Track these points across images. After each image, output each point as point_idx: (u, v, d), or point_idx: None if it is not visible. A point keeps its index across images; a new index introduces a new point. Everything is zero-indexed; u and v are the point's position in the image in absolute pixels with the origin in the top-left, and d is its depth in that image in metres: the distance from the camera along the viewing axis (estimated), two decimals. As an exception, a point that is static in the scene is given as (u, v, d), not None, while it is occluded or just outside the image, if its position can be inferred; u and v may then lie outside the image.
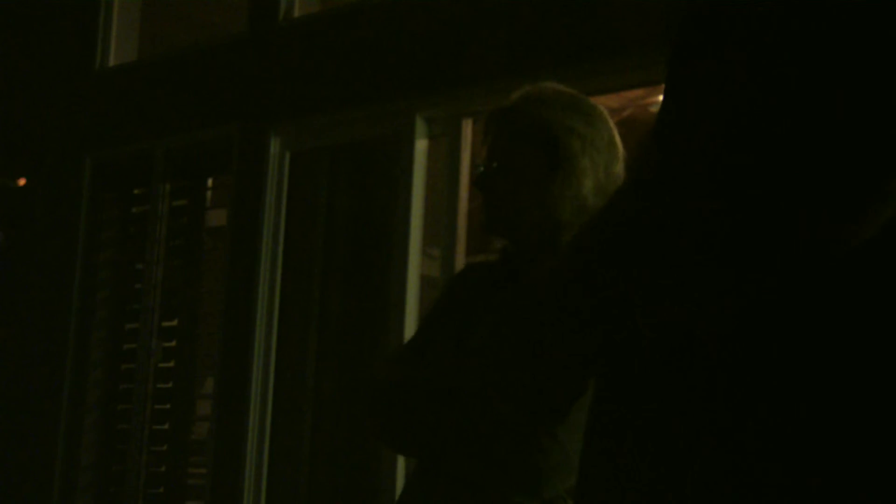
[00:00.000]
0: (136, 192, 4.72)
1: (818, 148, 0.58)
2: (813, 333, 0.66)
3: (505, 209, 1.79)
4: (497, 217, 1.80)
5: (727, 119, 0.61)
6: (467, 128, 3.76)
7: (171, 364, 4.44)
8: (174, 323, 4.50)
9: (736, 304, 0.64)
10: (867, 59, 0.57)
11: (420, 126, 3.77)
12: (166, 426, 4.42)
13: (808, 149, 0.58)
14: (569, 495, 1.67)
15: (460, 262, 3.70)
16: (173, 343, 4.45)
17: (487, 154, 1.82)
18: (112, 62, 4.88)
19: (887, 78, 0.56)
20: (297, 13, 4.28)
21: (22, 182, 1.87)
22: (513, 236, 1.81)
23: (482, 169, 1.83)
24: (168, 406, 4.42)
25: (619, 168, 1.77)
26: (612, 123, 1.82)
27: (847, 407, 0.64)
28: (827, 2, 0.58)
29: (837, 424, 0.64)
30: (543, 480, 1.66)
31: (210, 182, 4.59)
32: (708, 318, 0.66)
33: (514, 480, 1.67)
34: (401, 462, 3.51)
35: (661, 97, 0.82)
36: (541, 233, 1.76)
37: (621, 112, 6.96)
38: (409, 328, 3.59)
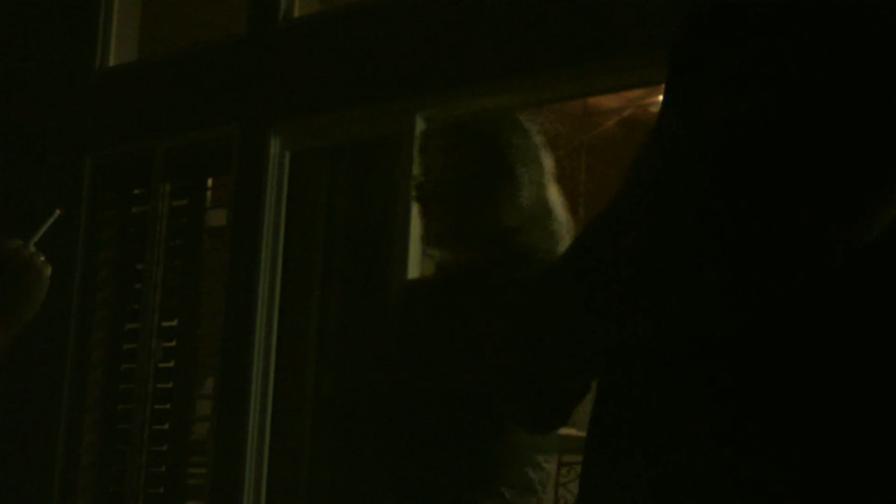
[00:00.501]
0: (136, 192, 4.72)
1: (819, 149, 0.58)
2: (814, 334, 0.66)
3: (452, 220, 1.89)
4: (443, 228, 1.90)
5: (728, 120, 0.61)
6: (467, 128, 3.75)
7: (171, 364, 4.44)
8: (174, 323, 4.50)
9: (737, 305, 0.64)
10: (868, 59, 0.57)
11: (420, 126, 3.77)
12: (166, 426, 4.42)
13: (810, 150, 0.58)
14: (519, 487, 1.78)
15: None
16: (173, 343, 4.45)
17: (430, 167, 1.92)
18: (112, 62, 4.88)
19: (888, 79, 0.56)
20: (297, 13, 4.28)
21: (59, 212, 1.89)
22: (457, 246, 1.90)
23: (424, 181, 1.92)
24: (168, 406, 4.42)
25: (548, 179, 1.92)
26: (538, 139, 1.96)
27: (848, 407, 0.64)
28: (828, 2, 0.58)
29: (839, 425, 0.64)
30: (497, 476, 1.76)
31: (210, 182, 4.59)
32: (709, 318, 0.66)
33: (468, 477, 1.76)
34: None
35: (661, 97, 0.81)
36: (486, 241, 1.87)
37: (621, 112, 6.97)
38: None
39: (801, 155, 0.58)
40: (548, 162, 1.94)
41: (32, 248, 1.77)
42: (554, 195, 1.93)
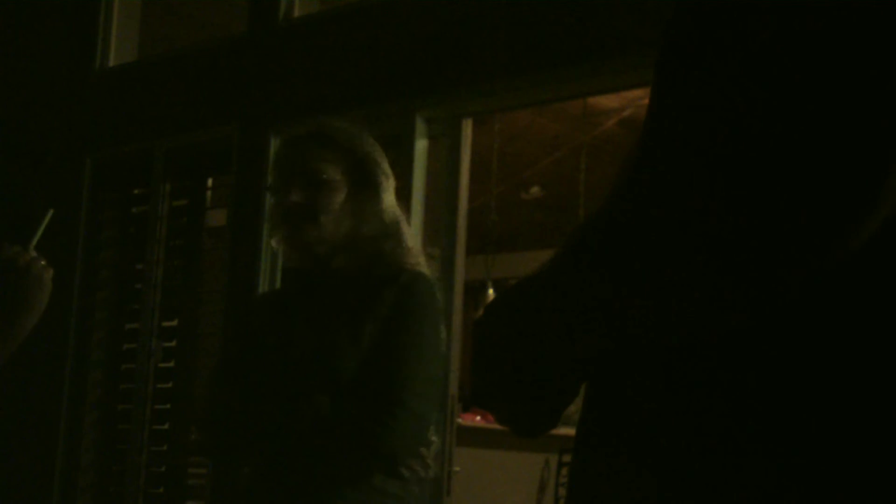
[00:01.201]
0: (136, 192, 4.72)
1: (820, 148, 0.58)
2: (813, 333, 0.66)
3: (318, 221, 1.98)
4: (310, 229, 1.98)
5: (724, 118, 0.61)
6: (467, 128, 3.76)
7: (171, 364, 4.44)
8: (174, 323, 4.50)
9: (735, 304, 0.64)
10: (869, 59, 0.57)
11: (420, 126, 3.77)
12: (166, 426, 4.42)
13: (810, 149, 0.58)
14: (414, 465, 1.94)
15: (460, 262, 3.69)
16: (173, 343, 4.45)
17: (294, 173, 2.01)
18: (112, 62, 4.88)
19: (886, 79, 0.56)
20: (297, 13, 4.28)
21: (52, 211, 1.92)
22: (316, 248, 1.99)
23: (283, 188, 2.00)
24: (168, 406, 4.42)
25: (392, 191, 2.07)
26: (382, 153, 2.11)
27: (848, 407, 0.64)
28: (826, 1, 0.58)
29: (839, 425, 0.64)
30: (397, 458, 1.89)
31: (210, 182, 4.59)
32: (707, 318, 0.66)
33: (369, 462, 1.88)
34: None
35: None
36: (344, 242, 1.99)
37: (621, 112, 6.97)
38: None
39: (801, 154, 0.58)
40: (392, 179, 2.08)
41: (32, 253, 1.77)
42: (398, 207, 2.07)
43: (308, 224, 1.98)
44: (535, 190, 8.64)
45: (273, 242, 2.06)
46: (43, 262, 1.78)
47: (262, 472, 1.93)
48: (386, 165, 2.07)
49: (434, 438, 2.00)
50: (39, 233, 1.82)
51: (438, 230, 3.72)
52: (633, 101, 6.66)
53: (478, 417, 6.66)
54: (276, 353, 1.98)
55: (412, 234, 2.09)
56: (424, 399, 1.89)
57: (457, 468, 3.60)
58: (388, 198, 2.05)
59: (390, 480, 1.90)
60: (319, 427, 1.86)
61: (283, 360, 1.95)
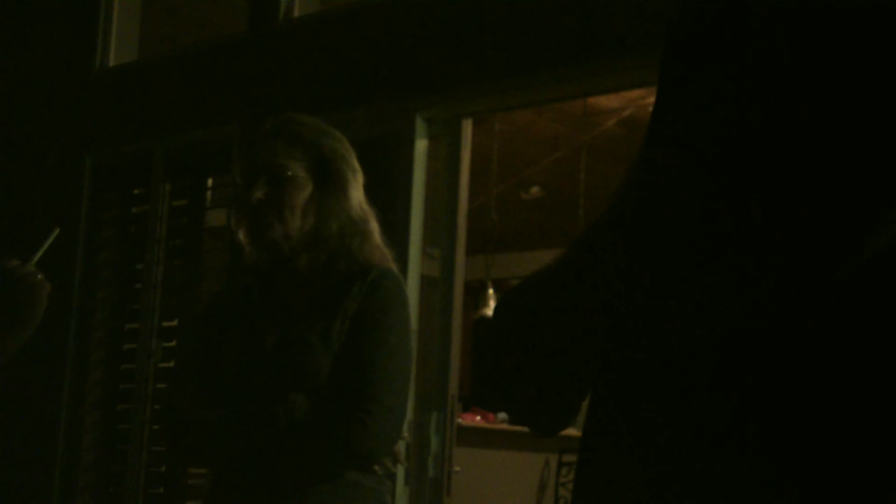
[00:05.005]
0: (136, 192, 4.72)
1: (819, 153, 0.58)
2: (814, 336, 0.66)
3: (282, 219, 1.97)
4: (274, 226, 1.97)
5: (728, 120, 0.61)
6: (467, 128, 3.76)
7: (171, 364, 4.44)
8: (174, 323, 4.50)
9: (738, 305, 0.64)
10: (871, 62, 0.57)
11: (420, 126, 3.77)
12: (166, 426, 4.41)
13: (809, 153, 0.58)
14: (387, 461, 1.96)
15: (460, 262, 3.69)
16: (173, 343, 4.45)
17: (258, 169, 1.99)
18: (112, 62, 4.88)
19: (891, 82, 0.56)
20: (297, 13, 4.28)
21: (58, 230, 1.93)
22: (281, 245, 1.98)
23: (251, 185, 1.99)
24: (168, 406, 4.42)
25: (361, 188, 2.05)
26: (351, 150, 2.08)
27: (848, 409, 0.64)
28: (830, 3, 0.58)
29: (838, 426, 0.64)
30: (371, 454, 1.89)
31: (210, 182, 4.59)
32: (709, 318, 0.66)
33: (346, 459, 1.88)
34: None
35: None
36: (309, 240, 1.98)
37: (621, 112, 6.97)
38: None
39: (805, 159, 0.58)
40: (361, 175, 2.06)
41: (32, 267, 1.78)
42: (366, 203, 2.05)
43: (272, 221, 1.96)
44: (535, 190, 8.64)
45: (240, 235, 2.05)
46: (40, 277, 1.78)
47: (236, 472, 1.92)
48: (354, 161, 2.04)
49: (405, 435, 2.00)
50: (42, 250, 1.83)
51: (438, 230, 3.72)
52: (633, 101, 6.66)
53: (478, 417, 6.66)
54: (245, 353, 1.97)
55: (380, 231, 2.06)
56: (397, 395, 1.89)
57: (457, 468, 3.59)
58: (356, 194, 2.03)
59: (365, 475, 1.92)
60: (295, 425, 1.85)
61: (254, 360, 1.94)
